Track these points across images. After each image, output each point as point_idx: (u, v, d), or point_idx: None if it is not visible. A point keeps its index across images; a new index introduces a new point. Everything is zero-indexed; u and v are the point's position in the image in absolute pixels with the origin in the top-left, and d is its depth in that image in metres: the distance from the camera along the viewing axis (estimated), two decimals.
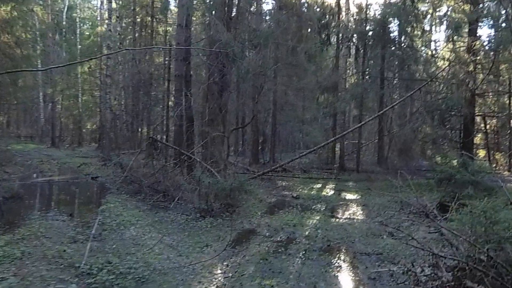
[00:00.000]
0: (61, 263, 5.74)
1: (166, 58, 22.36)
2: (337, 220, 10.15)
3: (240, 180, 10.26)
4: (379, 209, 11.26)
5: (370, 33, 23.76)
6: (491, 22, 17.09)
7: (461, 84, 14.51)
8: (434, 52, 21.44)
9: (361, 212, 11.19)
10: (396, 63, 23.07)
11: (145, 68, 19.01)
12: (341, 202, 12.79)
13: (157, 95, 21.62)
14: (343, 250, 7.40)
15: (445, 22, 18.44)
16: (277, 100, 23.94)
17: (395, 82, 22.79)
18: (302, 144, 33.55)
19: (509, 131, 21.58)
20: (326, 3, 24.40)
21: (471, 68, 14.43)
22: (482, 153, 25.61)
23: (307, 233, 8.57)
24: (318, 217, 10.34)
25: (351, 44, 25.32)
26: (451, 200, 9.63)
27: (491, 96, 19.99)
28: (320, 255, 6.97)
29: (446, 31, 17.27)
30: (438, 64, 20.75)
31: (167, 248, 6.79)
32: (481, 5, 16.44)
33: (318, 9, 24.24)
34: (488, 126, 23.81)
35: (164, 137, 19.18)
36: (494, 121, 24.87)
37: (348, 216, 10.59)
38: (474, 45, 14.59)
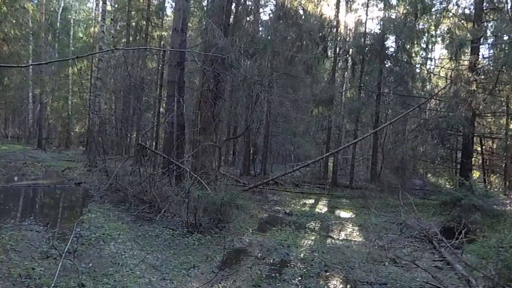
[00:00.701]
0: (27, 284, 5.06)
1: (160, 64, 21.79)
2: (334, 241, 9.55)
3: (231, 194, 9.61)
4: (378, 231, 10.68)
5: (368, 47, 23.50)
6: (491, 42, 16.87)
7: (463, 103, 14.08)
8: (431, 70, 21.11)
9: (358, 233, 10.61)
10: (392, 79, 22.81)
11: (137, 72, 18.41)
12: (336, 221, 12.21)
13: (148, 101, 21.01)
14: (343, 277, 6.79)
15: (446, 40, 18.08)
16: (271, 111, 23.41)
17: (391, 98, 22.46)
18: (293, 156, 32.99)
19: (504, 153, 21.14)
20: (325, 16, 24.07)
21: (473, 87, 14.05)
22: (476, 174, 25.30)
23: (302, 255, 7.95)
24: (313, 237, 9.73)
25: (348, 57, 25.02)
26: (457, 225, 9.15)
27: (489, 117, 19.67)
28: (318, 282, 6.35)
29: (448, 48, 16.90)
30: (437, 82, 20.45)
31: (150, 269, 6.11)
32: (484, 23, 16.19)
33: (316, 22, 23.95)
34: (483, 147, 23.54)
35: (154, 144, 18.50)
36: (490, 142, 24.64)
37: (345, 237, 9.99)
38: (477, 64, 14.22)
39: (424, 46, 21.42)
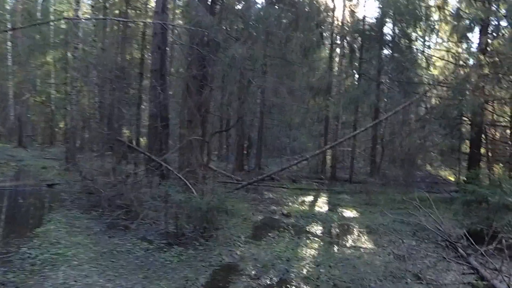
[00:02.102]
0: None
1: (142, 52, 20.10)
2: (341, 250, 8.11)
3: (220, 197, 8.12)
4: (388, 234, 9.26)
5: (367, 32, 22.02)
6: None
7: (476, 89, 12.64)
8: (436, 54, 19.62)
9: (367, 237, 9.16)
10: (393, 66, 21.38)
11: (117, 61, 16.80)
12: (340, 222, 10.77)
13: (129, 92, 19.34)
14: None
15: (453, 20, 16.53)
16: (265, 101, 21.89)
17: (392, 86, 20.99)
18: (289, 150, 31.49)
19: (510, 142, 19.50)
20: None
21: (485, 71, 12.59)
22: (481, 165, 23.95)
23: (305, 271, 6.52)
24: (316, 245, 8.29)
25: (346, 44, 23.53)
26: (485, 228, 7.78)
27: (495, 104, 18.12)
28: None
29: (456, 30, 15.40)
30: (442, 67, 18.99)
31: None
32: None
33: (312, 6, 22.39)
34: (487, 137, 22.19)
35: (135, 140, 16.92)
36: (492, 131, 23.28)
37: (353, 244, 8.56)
38: (488, 46, 12.69)
39: (427, 28, 19.86)
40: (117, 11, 26.26)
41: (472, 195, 8.25)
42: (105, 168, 12.36)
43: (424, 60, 21.57)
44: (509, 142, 16.77)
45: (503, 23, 14.92)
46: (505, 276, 6.58)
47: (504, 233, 7.90)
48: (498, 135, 23.28)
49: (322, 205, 13.70)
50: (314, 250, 7.89)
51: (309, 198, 15.29)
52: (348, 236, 9.22)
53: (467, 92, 12.52)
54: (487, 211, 7.98)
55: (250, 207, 12.07)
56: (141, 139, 18.63)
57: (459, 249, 7.77)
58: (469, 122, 14.72)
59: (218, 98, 14.81)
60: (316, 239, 8.84)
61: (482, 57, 12.57)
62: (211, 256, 6.91)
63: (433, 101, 15.78)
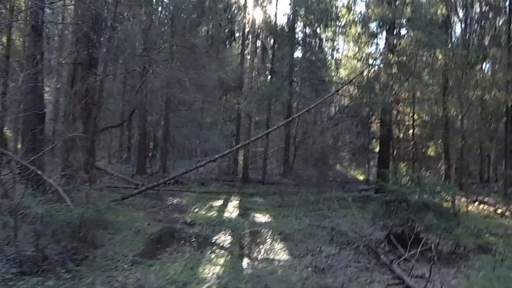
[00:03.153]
0: None
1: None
2: (251, 264, 6.79)
3: (98, 207, 6.34)
4: (305, 241, 8.16)
5: (279, 30, 21.35)
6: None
7: (385, 88, 12.32)
8: (346, 54, 19.49)
9: (282, 246, 7.95)
10: (304, 65, 20.98)
11: None
12: (251, 229, 9.47)
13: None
14: None
15: (362, 19, 16.31)
16: (171, 96, 20.07)
17: (304, 85, 20.49)
18: (199, 151, 29.83)
19: (413, 141, 19.90)
20: None
21: (394, 70, 12.34)
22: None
23: None
24: (222, 261, 6.86)
25: (258, 41, 22.68)
26: (407, 230, 7.03)
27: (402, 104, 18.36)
28: None
29: (364, 30, 15.13)
30: (352, 67, 18.87)
31: None
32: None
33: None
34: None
35: None
36: (396, 131, 23.96)
37: (266, 256, 7.28)
38: (397, 45, 12.47)
39: (338, 28, 19.70)
40: None
41: (392, 195, 7.45)
42: None
43: (335, 60, 21.52)
44: (413, 141, 16.98)
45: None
46: (433, 284, 5.80)
47: (426, 234, 7.26)
48: (401, 134, 24.02)
49: (232, 210, 12.38)
50: (219, 267, 6.47)
51: (219, 203, 13.90)
52: (261, 246, 7.93)
53: (377, 91, 12.14)
54: (408, 212, 7.23)
55: (147, 216, 10.32)
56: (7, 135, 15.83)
57: (381, 256, 6.89)
58: (378, 121, 14.46)
59: (111, 88, 12.77)
60: (223, 252, 7.43)
61: (390, 56, 12.27)
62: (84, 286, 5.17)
63: (345, 100, 15.32)
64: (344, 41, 20.36)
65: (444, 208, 7.68)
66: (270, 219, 10.82)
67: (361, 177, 23.05)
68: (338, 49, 21.97)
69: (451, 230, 7.21)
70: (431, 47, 12.57)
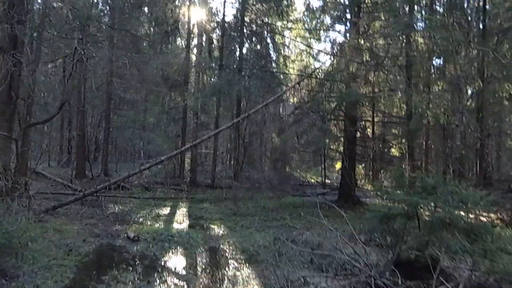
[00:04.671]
0: None
1: None
2: None
3: (5, 227, 4.82)
4: (276, 263, 6.76)
5: (227, 23, 20.22)
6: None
7: (355, 77, 11.35)
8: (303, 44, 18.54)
9: (249, 272, 6.58)
10: (255, 58, 19.99)
11: None
12: (206, 246, 8.16)
13: None
14: None
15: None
16: (111, 94, 18.33)
17: (255, 80, 19.40)
18: (143, 153, 27.96)
19: (373, 139, 18.93)
20: None
21: (366, 57, 11.42)
22: (338, 165, 24.01)
23: None
24: None
25: (204, 33, 21.35)
26: (418, 254, 5.57)
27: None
28: None
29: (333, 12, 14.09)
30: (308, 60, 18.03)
31: None
32: None
33: None
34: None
35: None
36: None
37: None
38: (368, 29, 11.46)
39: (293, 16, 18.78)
40: None
41: (394, 208, 5.88)
42: None
43: (291, 52, 20.62)
44: (373, 140, 16.27)
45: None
46: None
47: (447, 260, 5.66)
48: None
49: (181, 219, 11.03)
50: None
51: (166, 210, 12.50)
52: (222, 272, 6.62)
53: (348, 82, 11.13)
54: (421, 233, 5.63)
55: (82, 229, 8.76)
56: None
57: None
58: (340, 118, 13.57)
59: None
60: (176, 281, 6.08)
61: (360, 41, 11.23)
62: None
63: (300, 96, 14.30)
64: (298, 34, 19.43)
65: (475, 226, 5.50)
66: (227, 231, 9.61)
67: (313, 180, 22.40)
68: (291, 40, 20.99)
69: (485, 255, 5.20)
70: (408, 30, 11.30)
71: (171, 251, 7.53)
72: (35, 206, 10.27)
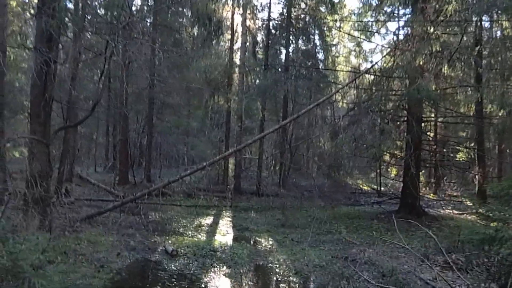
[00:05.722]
0: None
1: None
2: None
3: (13, 251, 4.00)
4: None
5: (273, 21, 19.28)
6: None
7: (422, 72, 9.87)
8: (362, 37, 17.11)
9: None
10: (302, 56, 18.90)
11: None
12: (253, 264, 7.11)
13: None
14: None
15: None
16: (153, 97, 17.84)
17: (302, 80, 18.26)
18: (186, 159, 27.49)
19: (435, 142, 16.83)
20: None
21: (437, 47, 9.93)
22: (394, 171, 22.20)
23: None
24: None
25: (248, 34, 20.53)
26: None
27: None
28: None
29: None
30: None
31: None
32: None
33: None
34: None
35: None
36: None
37: None
38: (442, 13, 9.75)
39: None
40: None
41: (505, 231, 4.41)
42: None
43: (340, 50, 19.37)
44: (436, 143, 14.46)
45: None
46: None
47: None
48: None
49: (225, 231, 10.08)
50: None
51: (208, 220, 11.63)
52: None
53: (414, 78, 9.66)
54: None
55: (118, 240, 7.98)
56: None
57: None
58: (402, 119, 12.05)
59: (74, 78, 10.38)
60: None
61: (429, 28, 9.70)
62: None
63: (357, 94, 12.86)
64: (351, 27, 18.08)
65: None
66: (275, 246, 8.53)
67: (366, 187, 20.88)
68: (340, 38, 19.70)
69: None
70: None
71: (213, 269, 6.55)
72: (73, 214, 9.72)
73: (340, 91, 13.19)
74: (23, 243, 4.08)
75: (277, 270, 6.75)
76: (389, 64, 10.91)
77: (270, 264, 7.04)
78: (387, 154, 12.71)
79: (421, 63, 9.74)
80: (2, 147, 6.74)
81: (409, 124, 11.04)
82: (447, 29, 10.24)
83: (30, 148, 8.59)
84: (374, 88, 11.16)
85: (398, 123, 11.84)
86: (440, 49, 9.86)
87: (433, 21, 9.37)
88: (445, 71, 11.63)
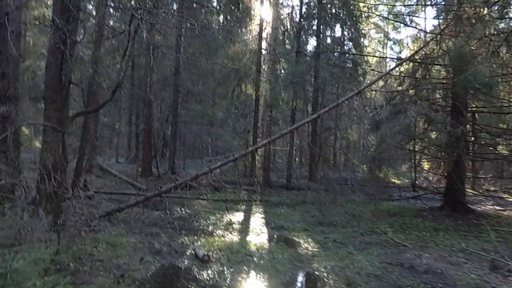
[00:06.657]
0: None
1: None
2: None
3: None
4: None
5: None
6: None
7: (475, 56, 8.70)
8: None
9: None
10: (334, 45, 17.67)
11: None
12: (296, 273, 6.10)
13: None
14: None
15: None
16: (178, 85, 16.95)
17: (334, 69, 17.06)
18: (211, 149, 26.65)
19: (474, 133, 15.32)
20: None
21: (491, 30, 8.75)
22: (426, 164, 20.70)
23: None
24: None
25: (279, 20, 19.39)
26: None
27: None
28: None
29: None
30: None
31: None
32: None
33: None
34: None
35: None
36: None
37: None
38: None
39: None
40: None
41: None
42: None
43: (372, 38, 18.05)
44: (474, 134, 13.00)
45: None
46: None
47: None
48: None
49: (258, 230, 9.08)
50: None
51: (239, 216, 10.68)
52: None
53: (463, 65, 8.51)
54: None
55: (141, 242, 7.10)
56: None
57: None
58: (449, 108, 10.81)
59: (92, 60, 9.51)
60: None
61: (483, 10, 8.55)
62: None
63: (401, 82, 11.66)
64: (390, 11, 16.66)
65: None
66: (317, 248, 7.49)
67: (397, 181, 19.57)
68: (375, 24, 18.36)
69: None
70: None
71: (251, 279, 5.57)
72: (91, 210, 8.90)
73: (382, 78, 11.97)
74: (20, 259, 3.16)
75: (326, 280, 5.71)
76: (434, 51, 9.69)
77: (316, 272, 6.02)
78: (432, 147, 11.46)
79: (473, 48, 8.53)
80: (8, 134, 5.86)
81: (455, 114, 9.83)
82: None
83: (44, 137, 7.80)
84: (418, 76, 9.98)
85: (444, 112, 10.57)
86: (496, 32, 8.61)
87: (486, 1, 8.17)
88: (504, 55, 10.31)
